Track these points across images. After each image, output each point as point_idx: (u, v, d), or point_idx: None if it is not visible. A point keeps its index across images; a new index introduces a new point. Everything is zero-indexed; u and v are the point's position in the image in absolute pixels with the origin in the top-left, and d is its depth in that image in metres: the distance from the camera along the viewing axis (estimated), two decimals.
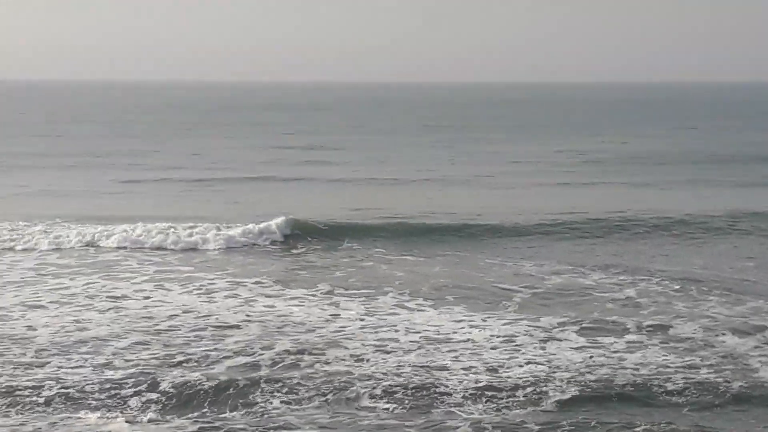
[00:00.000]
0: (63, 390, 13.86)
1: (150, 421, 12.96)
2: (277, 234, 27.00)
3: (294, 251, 26.07)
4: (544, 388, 14.10)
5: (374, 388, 14.10)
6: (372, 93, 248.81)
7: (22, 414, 13.08)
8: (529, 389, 14.09)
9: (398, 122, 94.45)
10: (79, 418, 12.94)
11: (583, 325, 17.66)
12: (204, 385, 14.14)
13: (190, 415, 13.19)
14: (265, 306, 19.31)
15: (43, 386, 14.00)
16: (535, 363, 15.33)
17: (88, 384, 14.13)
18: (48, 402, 13.47)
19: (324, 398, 13.74)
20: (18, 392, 13.75)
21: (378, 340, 16.75)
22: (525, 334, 17.04)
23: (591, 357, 15.67)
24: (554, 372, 14.86)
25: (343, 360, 15.53)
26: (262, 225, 27.32)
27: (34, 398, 13.58)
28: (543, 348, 16.22)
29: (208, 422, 12.95)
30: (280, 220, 27.58)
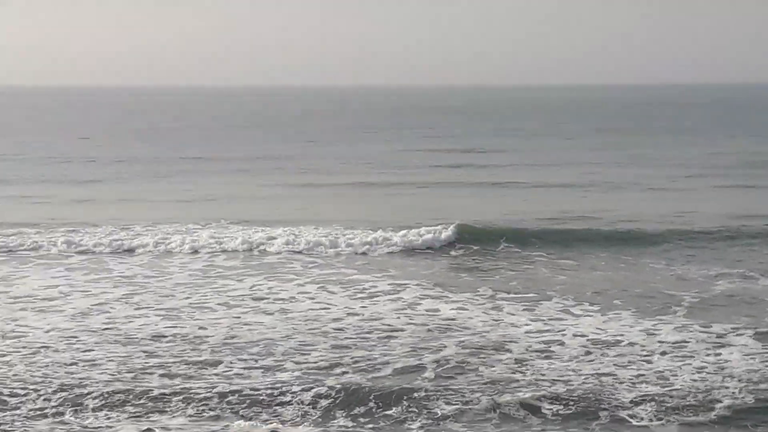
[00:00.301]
0: (235, 389, 14.15)
1: (316, 423, 13.12)
2: (441, 238, 26.99)
3: (453, 254, 26.10)
4: (716, 396, 13.79)
5: (540, 393, 13.99)
6: (523, 95, 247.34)
7: (196, 411, 13.38)
8: (701, 397, 13.79)
9: (558, 125, 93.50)
10: (250, 418, 13.19)
11: (758, 331, 17.21)
12: (371, 388, 14.25)
13: (357, 416, 13.31)
14: (427, 309, 19.36)
15: (216, 386, 14.32)
16: (707, 370, 15.00)
17: (259, 385, 14.40)
18: (221, 400, 13.75)
19: (491, 402, 13.69)
20: (193, 391, 14.09)
21: (543, 344, 16.64)
22: (696, 340, 16.69)
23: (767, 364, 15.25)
24: (727, 379, 14.51)
25: (509, 364, 15.47)
26: (422, 229, 27.38)
27: (209, 395, 13.89)
28: (715, 354, 15.85)
29: (376, 426, 13.06)
30: (446, 225, 27.56)
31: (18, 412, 13.36)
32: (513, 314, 18.85)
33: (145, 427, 12.77)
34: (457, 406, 13.55)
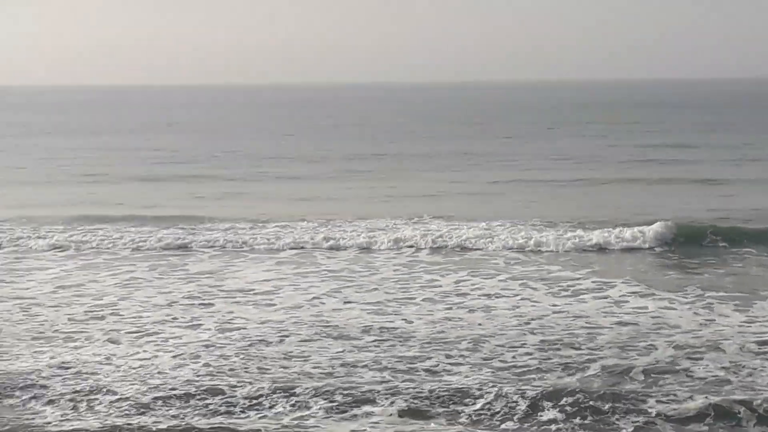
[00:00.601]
0: (444, 385, 14.27)
1: (524, 419, 13.10)
2: (647, 236, 26.41)
3: (659, 251, 25.68)
4: None
5: (754, 398, 13.61)
6: (727, 89, 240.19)
7: (406, 405, 13.52)
8: None
9: (762, 119, 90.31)
10: (457, 413, 13.26)
11: None
12: (579, 386, 14.14)
13: (565, 413, 13.21)
14: (634, 307, 19.11)
15: (425, 381, 14.48)
16: None
17: (468, 381, 14.48)
18: (430, 395, 13.84)
19: (705, 402, 13.38)
20: (402, 386, 14.26)
21: (759, 344, 16.18)
22: None
23: None
24: None
25: (722, 364, 15.12)
26: (627, 227, 26.92)
27: (417, 390, 14.02)
28: None
29: (584, 422, 12.96)
30: (651, 222, 27.03)
31: (232, 401, 13.76)
32: (725, 314, 18.41)
33: (355, 422, 13.04)
34: (669, 405, 13.32)
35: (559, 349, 16.14)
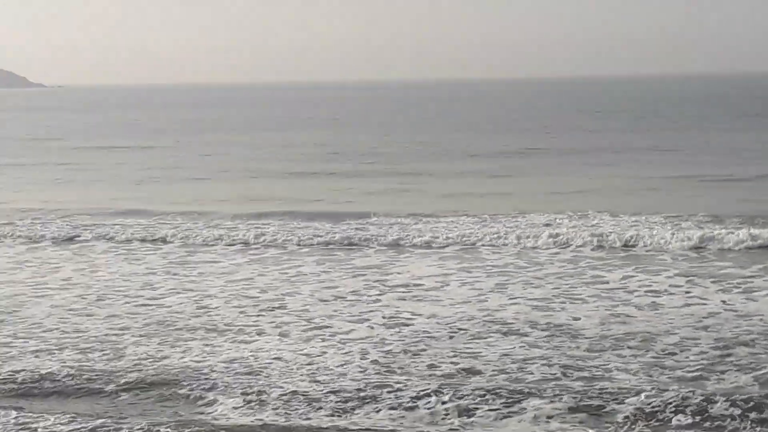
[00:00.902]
0: (615, 384, 14.05)
1: (696, 413, 12.82)
2: None
3: None
4: None
5: None
6: None
7: (575, 403, 13.35)
8: None
9: None
10: (629, 406, 13.06)
11: None
12: (754, 386, 13.83)
13: (738, 408, 12.84)
14: None
15: (594, 380, 14.33)
16: None
17: (636, 381, 14.23)
18: (601, 392, 13.60)
19: None
20: (569, 384, 14.17)
21: None
22: None
23: None
24: None
25: None
26: None
27: (585, 388, 13.81)
28: None
29: (760, 417, 12.61)
30: None
31: (401, 399, 13.68)
32: None
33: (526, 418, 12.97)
34: None
35: (733, 348, 15.76)
